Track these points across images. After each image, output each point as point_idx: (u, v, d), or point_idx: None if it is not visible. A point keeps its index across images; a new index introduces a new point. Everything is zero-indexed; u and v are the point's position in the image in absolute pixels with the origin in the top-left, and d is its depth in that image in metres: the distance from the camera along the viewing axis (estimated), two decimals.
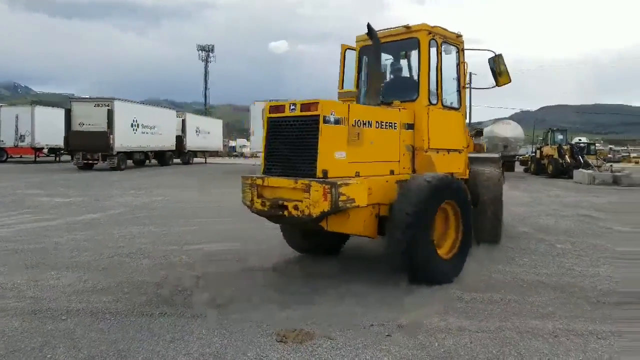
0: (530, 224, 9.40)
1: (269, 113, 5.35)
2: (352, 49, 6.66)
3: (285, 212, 4.87)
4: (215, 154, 42.69)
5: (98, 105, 23.83)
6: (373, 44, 5.76)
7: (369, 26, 5.70)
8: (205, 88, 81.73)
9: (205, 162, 36.47)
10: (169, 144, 29.97)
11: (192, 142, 33.56)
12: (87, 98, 25.80)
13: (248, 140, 26.54)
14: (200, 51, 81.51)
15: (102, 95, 27.58)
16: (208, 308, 4.31)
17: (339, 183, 4.57)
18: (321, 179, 4.68)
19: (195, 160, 35.50)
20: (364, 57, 6.51)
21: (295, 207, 4.76)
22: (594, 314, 4.25)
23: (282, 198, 4.94)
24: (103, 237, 7.50)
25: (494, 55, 6.25)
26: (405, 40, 6.06)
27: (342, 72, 6.71)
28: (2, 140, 29.86)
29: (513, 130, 24.10)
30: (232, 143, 61.37)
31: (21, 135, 29.65)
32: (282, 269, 5.82)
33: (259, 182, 5.20)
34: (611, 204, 13.14)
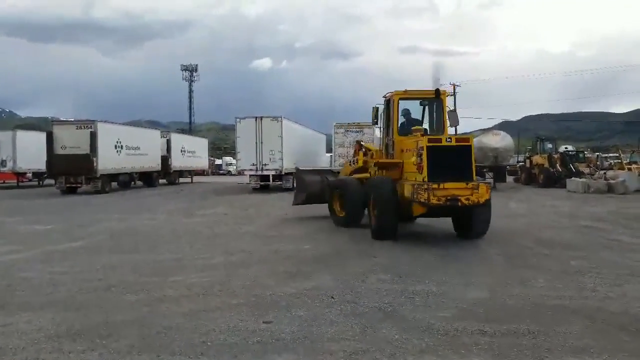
0: (533, 237, 9.03)
1: (428, 143, 8.13)
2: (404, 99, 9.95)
3: (459, 203, 7.74)
4: (201, 172, 42.00)
5: (80, 128, 23.15)
6: (439, 100, 9.83)
7: (437, 90, 9.70)
8: (190, 107, 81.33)
9: (192, 182, 35.79)
10: (155, 164, 29.29)
11: (178, 161, 32.93)
12: (68, 121, 25.14)
13: (234, 157, 25.96)
14: (184, 71, 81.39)
15: (87, 117, 26.83)
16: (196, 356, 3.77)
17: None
18: (481, 181, 8.39)
19: (182, 180, 34.82)
20: (402, 105, 9.98)
21: (467, 199, 7.75)
22: (635, 345, 3.79)
23: (454, 194, 7.75)
24: (82, 269, 6.88)
25: (449, 109, 9.90)
26: (433, 98, 9.89)
27: (397, 115, 9.90)
28: None
29: (502, 141, 23.94)
30: (218, 161, 60.57)
31: (2, 161, 28.74)
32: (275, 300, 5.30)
33: (435, 186, 7.77)
34: (610, 213, 12.88)
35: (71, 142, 22.86)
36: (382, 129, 10.56)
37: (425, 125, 10.14)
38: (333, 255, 7.74)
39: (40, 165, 24.79)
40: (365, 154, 11.27)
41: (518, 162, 32.17)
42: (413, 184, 8.15)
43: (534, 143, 29.38)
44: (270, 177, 23.00)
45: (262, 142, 22.66)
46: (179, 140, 34.08)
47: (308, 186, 12.66)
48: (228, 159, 55.52)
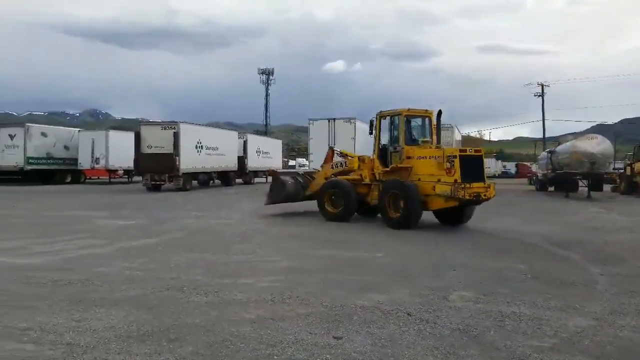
0: None
1: (459, 152, 10.43)
2: (388, 115, 12.15)
3: (480, 198, 10.26)
4: None
5: (165, 129, 24.55)
6: (439, 119, 11.84)
7: (439, 112, 11.71)
8: (266, 109, 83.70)
9: (266, 182, 36.56)
10: (232, 164, 30.34)
11: (254, 162, 33.83)
12: (154, 122, 26.74)
13: (307, 159, 26.06)
14: (261, 74, 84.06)
15: (172, 118, 28.56)
16: None
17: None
18: (489, 182, 10.74)
19: (257, 180, 35.75)
20: (410, 120, 12.09)
21: (484, 195, 10.30)
22: None
23: (477, 192, 10.14)
24: (157, 266, 7.01)
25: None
26: (425, 116, 12.11)
27: (403, 128, 11.77)
28: (80, 163, 31.71)
29: (600, 145, 21.49)
30: (291, 162, 61.77)
31: (96, 158, 31.30)
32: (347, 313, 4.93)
33: (468, 185, 9.98)
34: None
35: (156, 141, 24.34)
36: (377, 139, 12.20)
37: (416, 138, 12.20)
38: (409, 266, 7.23)
39: (130, 163, 26.62)
40: (360, 160, 13.06)
41: (614, 169, 29.05)
42: (451, 184, 10.12)
43: (636, 149, 26.31)
44: None
45: (334, 144, 22.49)
46: (254, 141, 35.03)
47: (286, 186, 13.80)
48: (301, 160, 56.33)
